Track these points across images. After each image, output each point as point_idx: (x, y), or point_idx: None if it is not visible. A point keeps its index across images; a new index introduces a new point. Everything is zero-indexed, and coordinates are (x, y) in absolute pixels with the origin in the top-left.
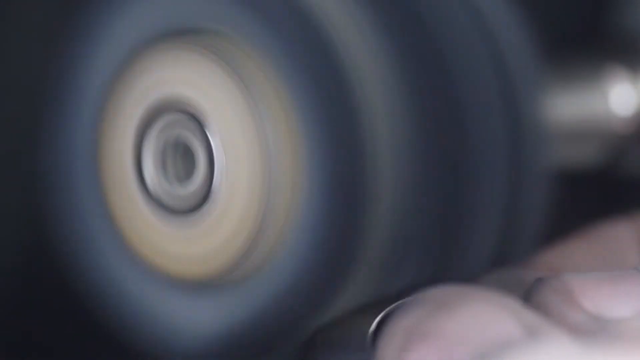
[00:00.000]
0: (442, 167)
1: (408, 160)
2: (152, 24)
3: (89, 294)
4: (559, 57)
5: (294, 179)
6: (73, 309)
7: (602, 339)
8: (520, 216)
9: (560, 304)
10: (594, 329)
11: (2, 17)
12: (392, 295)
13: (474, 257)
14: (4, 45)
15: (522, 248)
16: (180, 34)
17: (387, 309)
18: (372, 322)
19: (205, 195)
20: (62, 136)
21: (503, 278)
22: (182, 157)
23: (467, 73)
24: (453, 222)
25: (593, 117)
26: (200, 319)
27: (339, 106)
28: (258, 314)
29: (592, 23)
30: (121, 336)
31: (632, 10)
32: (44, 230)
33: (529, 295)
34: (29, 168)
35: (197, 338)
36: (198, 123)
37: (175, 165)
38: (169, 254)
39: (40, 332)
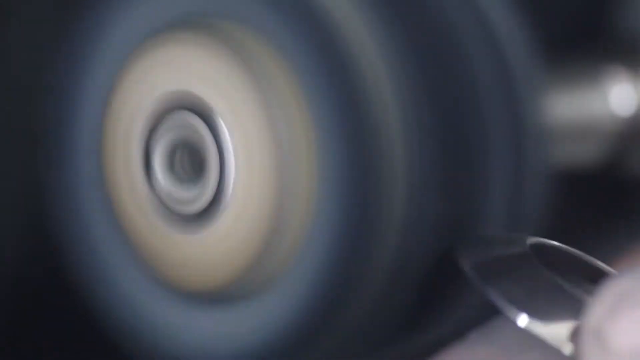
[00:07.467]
0: (445, 167)
1: (416, 162)
2: (160, 13)
3: (94, 301)
4: (559, 57)
5: (308, 181)
6: (78, 317)
7: None
8: (521, 216)
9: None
10: None
11: (5, 11)
12: None
13: None
14: (6, 41)
15: None
16: (189, 24)
17: None
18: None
19: (216, 198)
20: (66, 135)
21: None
22: (191, 158)
23: (469, 73)
24: (455, 222)
25: (593, 117)
26: (211, 332)
27: (353, 104)
28: (273, 326)
29: (592, 23)
30: (127, 348)
31: (632, 10)
32: (48, 232)
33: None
34: (33, 170)
35: (208, 353)
36: (209, 121)
37: (185, 167)
38: (178, 260)
39: (45, 342)
